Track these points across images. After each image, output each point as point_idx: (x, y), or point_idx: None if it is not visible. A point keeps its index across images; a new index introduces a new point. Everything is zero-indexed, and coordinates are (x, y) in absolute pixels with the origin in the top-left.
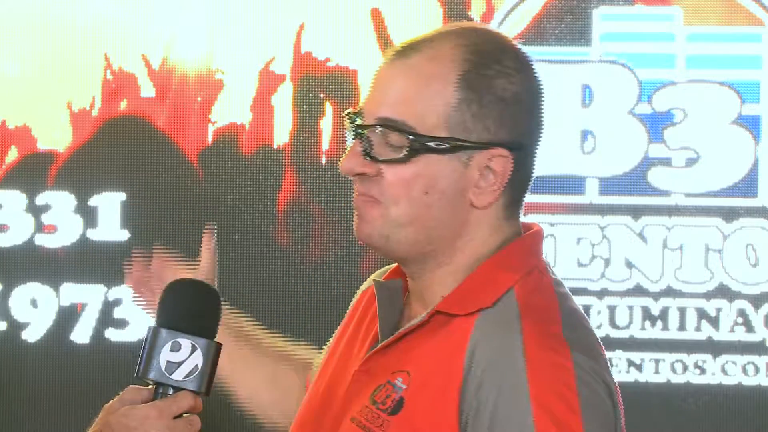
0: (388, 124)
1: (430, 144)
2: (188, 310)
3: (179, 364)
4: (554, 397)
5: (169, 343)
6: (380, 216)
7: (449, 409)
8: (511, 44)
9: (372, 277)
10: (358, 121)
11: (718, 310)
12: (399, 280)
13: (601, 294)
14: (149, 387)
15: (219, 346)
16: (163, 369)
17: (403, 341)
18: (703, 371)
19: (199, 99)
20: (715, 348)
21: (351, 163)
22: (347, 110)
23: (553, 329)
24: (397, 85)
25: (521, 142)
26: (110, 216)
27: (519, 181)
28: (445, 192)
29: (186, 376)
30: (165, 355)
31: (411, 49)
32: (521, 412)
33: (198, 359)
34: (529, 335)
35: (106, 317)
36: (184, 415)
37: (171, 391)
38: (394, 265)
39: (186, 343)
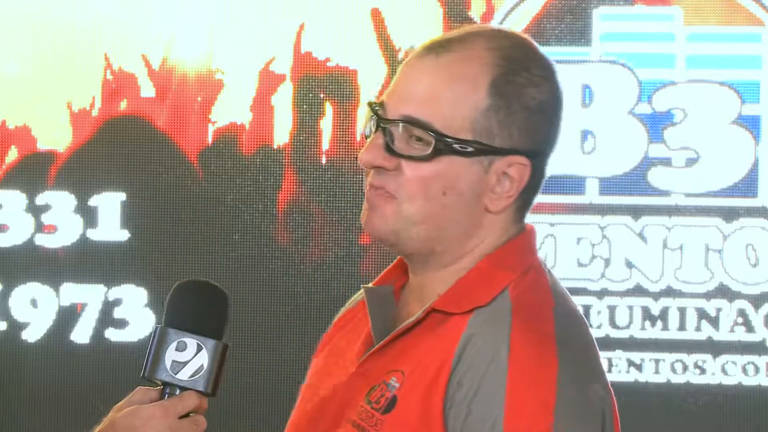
0: (414, 122)
1: (455, 146)
2: (195, 311)
3: (184, 363)
4: (529, 394)
5: (175, 343)
6: (393, 212)
7: (435, 404)
8: (538, 50)
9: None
10: (381, 113)
11: (718, 310)
12: (390, 285)
13: (601, 294)
14: (158, 387)
15: (226, 346)
16: (169, 368)
17: (399, 341)
18: (703, 371)
19: (199, 99)
20: (715, 348)
21: (371, 155)
22: (370, 100)
23: (544, 328)
24: (425, 83)
25: (540, 150)
26: (110, 216)
27: (533, 186)
28: (463, 194)
29: (191, 376)
30: (170, 355)
31: (441, 47)
32: (496, 406)
33: (203, 359)
34: (517, 332)
35: (106, 317)
36: (190, 414)
37: (178, 392)
38: (383, 272)
39: (191, 342)
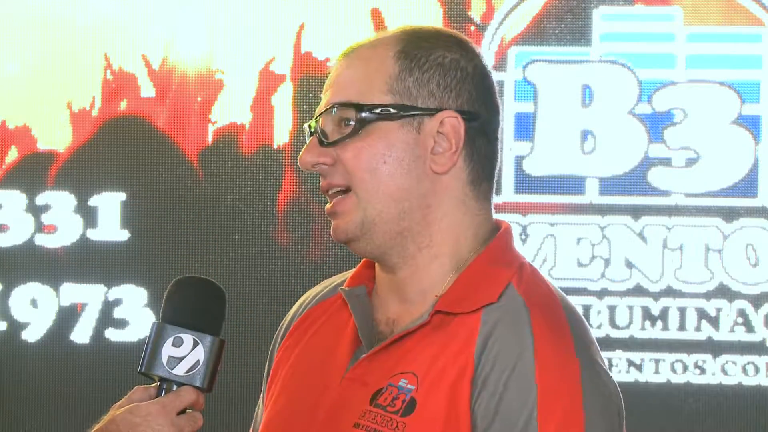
0: (335, 104)
1: (377, 110)
2: (192, 307)
3: (180, 359)
4: (560, 392)
5: (171, 338)
6: (352, 204)
7: (462, 402)
8: (450, 31)
9: (316, 290)
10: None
11: (718, 310)
12: (363, 287)
13: (601, 294)
14: (155, 384)
15: (222, 342)
16: (165, 364)
17: (399, 343)
18: (703, 371)
19: (199, 99)
20: (715, 348)
21: (308, 155)
22: (305, 123)
23: (560, 324)
24: (344, 76)
25: (471, 112)
26: (110, 216)
27: (480, 155)
28: (402, 159)
29: (187, 371)
30: (167, 350)
31: (352, 49)
32: (529, 402)
33: (199, 354)
34: (538, 329)
35: (106, 317)
36: (188, 411)
37: (175, 387)
38: (352, 274)
39: (188, 338)
